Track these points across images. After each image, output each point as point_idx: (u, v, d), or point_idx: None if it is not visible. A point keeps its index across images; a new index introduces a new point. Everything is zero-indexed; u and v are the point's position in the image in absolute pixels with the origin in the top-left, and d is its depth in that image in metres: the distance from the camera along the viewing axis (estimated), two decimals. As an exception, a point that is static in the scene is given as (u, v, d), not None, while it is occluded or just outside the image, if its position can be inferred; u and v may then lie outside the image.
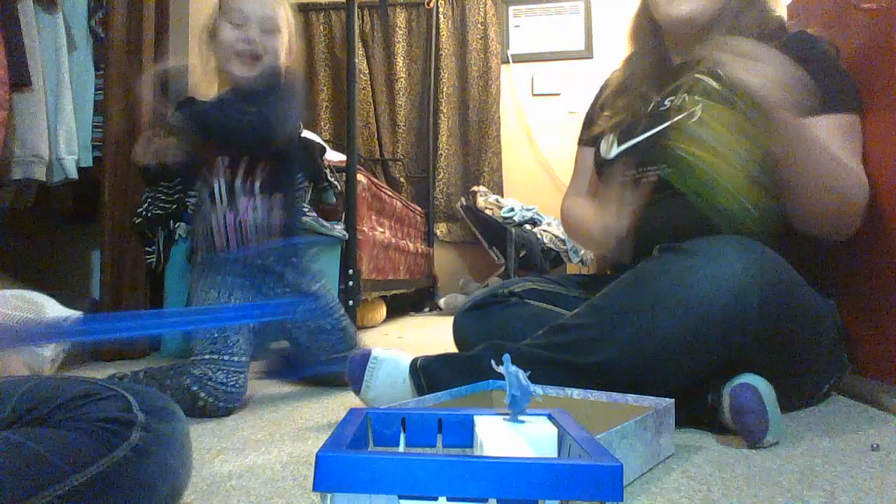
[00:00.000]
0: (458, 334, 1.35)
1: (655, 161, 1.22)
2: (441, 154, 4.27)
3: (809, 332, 1.04)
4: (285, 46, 1.38)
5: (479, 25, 4.31)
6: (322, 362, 1.44)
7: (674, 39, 1.30)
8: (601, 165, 1.34)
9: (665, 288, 0.96)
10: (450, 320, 1.43)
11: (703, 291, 0.93)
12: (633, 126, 1.28)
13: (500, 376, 0.54)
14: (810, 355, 1.07)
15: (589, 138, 1.44)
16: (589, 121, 1.47)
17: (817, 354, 1.08)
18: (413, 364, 1.08)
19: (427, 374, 1.05)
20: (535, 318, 1.24)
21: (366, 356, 1.14)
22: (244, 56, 1.33)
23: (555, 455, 0.50)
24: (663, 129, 1.22)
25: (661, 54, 1.33)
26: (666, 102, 1.24)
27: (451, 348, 1.36)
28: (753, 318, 0.93)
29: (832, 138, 1.10)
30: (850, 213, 1.09)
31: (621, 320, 0.97)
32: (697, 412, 1.00)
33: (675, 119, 1.20)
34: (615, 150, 1.29)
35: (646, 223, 1.23)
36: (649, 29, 1.32)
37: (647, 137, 1.24)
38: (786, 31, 1.21)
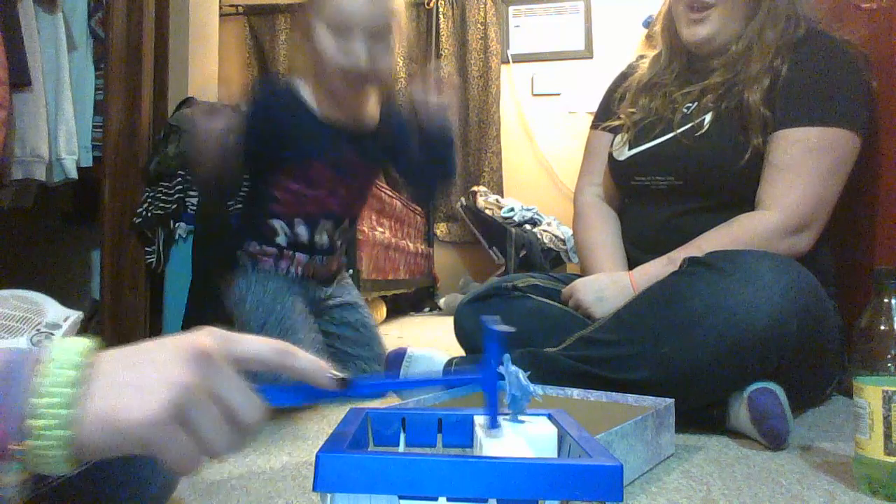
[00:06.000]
0: (460, 327, 1.34)
1: (665, 169, 1.22)
2: (441, 154, 4.26)
3: (829, 342, 1.04)
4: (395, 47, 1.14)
5: (479, 25, 4.30)
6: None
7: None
8: (613, 164, 1.34)
9: (701, 310, 0.94)
10: (450, 320, 1.43)
11: (742, 316, 0.91)
12: (647, 129, 1.27)
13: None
14: (822, 362, 1.07)
15: (605, 126, 1.41)
16: (605, 106, 1.44)
17: (826, 360, 1.08)
18: (448, 364, 1.12)
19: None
20: (537, 313, 1.24)
21: (401, 354, 1.19)
22: (349, 76, 1.11)
23: (555, 455, 0.50)
24: (671, 138, 1.21)
25: (687, 55, 1.31)
26: (684, 109, 1.24)
27: (452, 348, 1.36)
28: (792, 341, 0.93)
29: (783, 155, 1.10)
30: (793, 251, 1.09)
31: (655, 340, 0.96)
32: (700, 418, 1.00)
33: (682, 129, 1.20)
34: (626, 153, 1.29)
35: (653, 232, 1.23)
36: (675, 30, 1.29)
37: (657, 145, 1.24)
38: (813, 37, 1.18)
